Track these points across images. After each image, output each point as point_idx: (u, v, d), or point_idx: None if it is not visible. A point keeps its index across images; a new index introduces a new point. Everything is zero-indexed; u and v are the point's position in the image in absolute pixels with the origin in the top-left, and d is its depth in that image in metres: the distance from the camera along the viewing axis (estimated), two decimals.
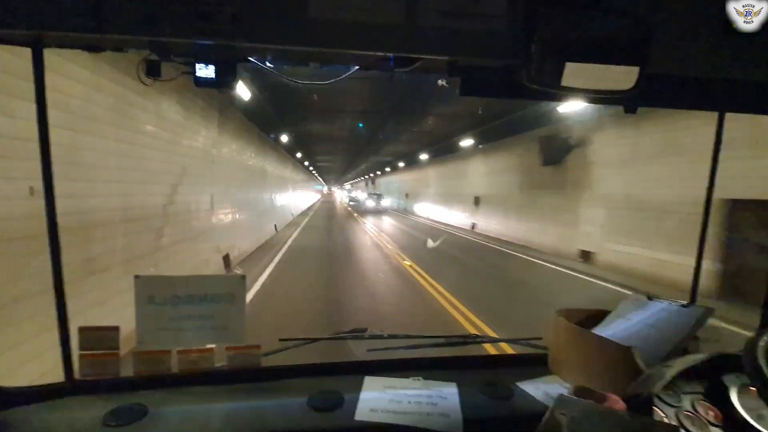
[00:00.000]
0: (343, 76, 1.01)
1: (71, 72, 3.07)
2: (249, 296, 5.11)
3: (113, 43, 0.84)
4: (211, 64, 0.85)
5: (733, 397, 0.75)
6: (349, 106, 10.48)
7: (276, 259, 8.48)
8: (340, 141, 18.10)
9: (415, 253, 10.00)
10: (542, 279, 7.62)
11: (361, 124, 13.55)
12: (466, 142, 14.32)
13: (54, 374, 0.96)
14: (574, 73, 0.75)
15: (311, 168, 33.11)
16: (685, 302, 1.14)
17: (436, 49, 0.81)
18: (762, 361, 0.70)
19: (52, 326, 0.94)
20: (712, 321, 1.05)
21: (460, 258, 10.05)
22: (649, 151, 7.34)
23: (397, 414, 0.91)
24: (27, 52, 0.85)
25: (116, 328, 0.97)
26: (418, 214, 25.16)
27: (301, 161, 24.45)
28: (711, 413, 0.75)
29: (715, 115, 1.22)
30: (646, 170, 7.46)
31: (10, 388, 0.91)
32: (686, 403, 0.76)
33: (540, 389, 1.04)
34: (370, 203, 29.59)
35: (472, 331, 4.33)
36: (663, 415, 0.72)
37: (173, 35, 0.75)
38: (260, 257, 8.67)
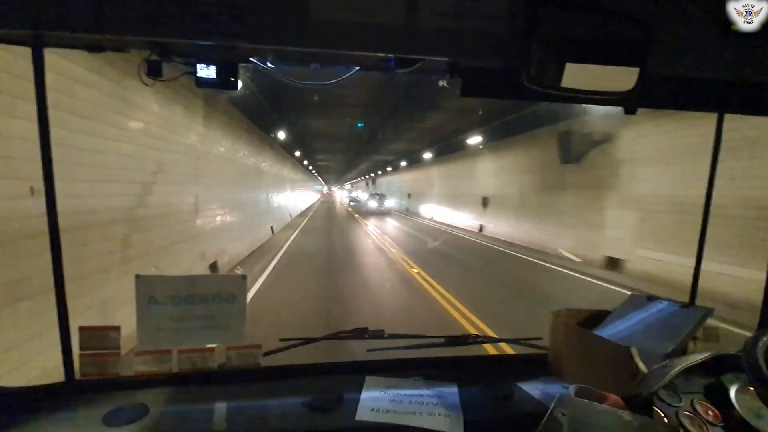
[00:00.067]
0: (344, 77, 1.02)
1: None
2: None
3: (114, 43, 0.86)
4: (212, 64, 0.88)
5: (733, 397, 0.76)
6: (351, 101, 10.08)
7: (270, 267, 7.60)
8: (340, 139, 17.75)
9: (421, 258, 9.18)
10: (572, 291, 6.72)
11: (360, 124, 13.22)
12: (474, 140, 13.60)
13: (56, 373, 0.95)
14: (574, 74, 0.76)
15: (310, 167, 32.77)
16: (685, 302, 1.14)
17: (437, 50, 0.82)
18: (761, 362, 0.70)
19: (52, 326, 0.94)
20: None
21: (473, 265, 9.10)
22: (697, 147, 6.10)
23: (398, 414, 0.92)
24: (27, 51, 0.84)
25: (117, 328, 0.98)
26: (421, 215, 24.43)
27: (300, 160, 24.07)
28: (710, 413, 0.76)
29: None
30: (691, 168, 6.31)
31: (10, 388, 0.93)
32: (686, 403, 0.77)
33: (540, 389, 1.04)
34: (373, 204, 27.08)
35: (473, 331, 4.21)
36: (663, 415, 0.73)
37: (174, 36, 0.76)
38: (251, 265, 7.79)
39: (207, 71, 0.88)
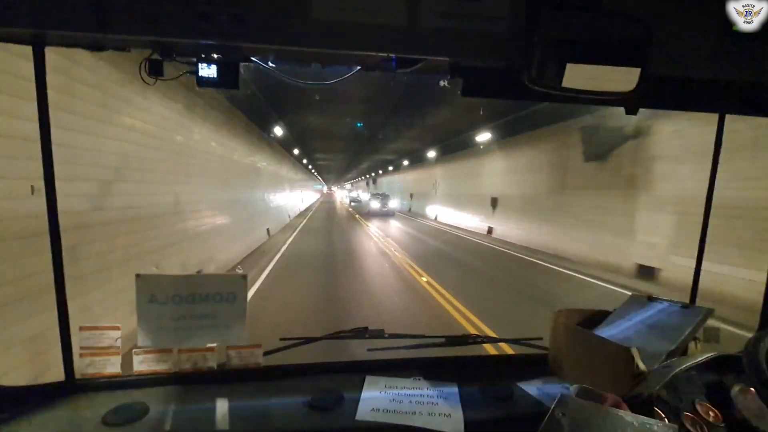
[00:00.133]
0: (345, 76, 1.02)
1: None
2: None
3: (115, 42, 0.86)
4: (213, 63, 0.88)
5: (733, 398, 0.76)
6: (351, 99, 9.82)
7: (262, 276, 6.83)
8: (341, 138, 17.45)
9: (431, 265, 8.34)
10: (609, 306, 5.92)
11: (359, 124, 13.03)
12: (483, 137, 12.63)
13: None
14: (575, 74, 0.76)
15: (310, 167, 32.51)
16: (685, 303, 1.14)
17: (438, 50, 0.83)
18: (762, 362, 0.70)
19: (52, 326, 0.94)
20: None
21: (488, 273, 8.15)
22: (752, 141, 5.32)
23: (398, 414, 0.92)
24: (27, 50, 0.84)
25: (117, 327, 0.99)
26: (424, 215, 23.65)
27: (299, 159, 23.74)
28: (711, 414, 0.76)
29: None
30: (744, 166, 5.39)
31: (10, 387, 0.92)
32: (687, 403, 0.77)
33: (540, 389, 1.05)
34: (375, 205, 24.29)
35: (473, 331, 4.15)
36: (663, 415, 0.73)
37: (175, 35, 0.76)
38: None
39: (208, 70, 0.89)
